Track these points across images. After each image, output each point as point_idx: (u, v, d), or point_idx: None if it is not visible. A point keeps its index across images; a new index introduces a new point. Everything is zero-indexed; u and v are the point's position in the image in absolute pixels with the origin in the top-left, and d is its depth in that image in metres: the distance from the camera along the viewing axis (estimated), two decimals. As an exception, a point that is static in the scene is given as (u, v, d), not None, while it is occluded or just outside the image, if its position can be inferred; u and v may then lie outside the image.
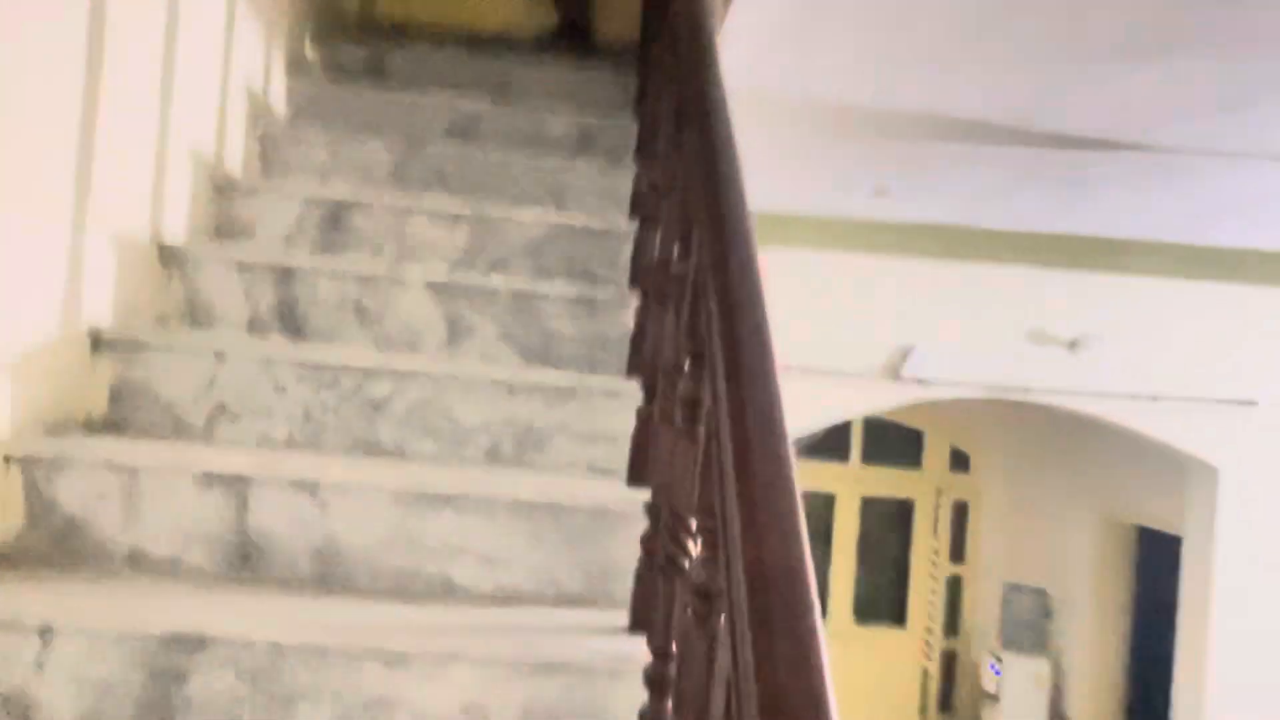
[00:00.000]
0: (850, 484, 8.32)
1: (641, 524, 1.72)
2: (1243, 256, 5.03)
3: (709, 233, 1.48)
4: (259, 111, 2.82)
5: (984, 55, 2.87)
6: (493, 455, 2.10)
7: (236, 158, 2.72)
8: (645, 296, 2.23)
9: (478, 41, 3.78)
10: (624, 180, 2.87)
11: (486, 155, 2.88)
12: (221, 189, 2.55)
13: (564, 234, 2.63)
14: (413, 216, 2.59)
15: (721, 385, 1.17)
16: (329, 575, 1.79)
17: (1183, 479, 5.45)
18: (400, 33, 3.74)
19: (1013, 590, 7.34)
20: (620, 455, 2.08)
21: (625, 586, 1.75)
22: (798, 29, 3.21)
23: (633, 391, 2.11)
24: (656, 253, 2.16)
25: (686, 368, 1.47)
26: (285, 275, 2.30)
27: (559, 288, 2.41)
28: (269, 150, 2.83)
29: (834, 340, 4.92)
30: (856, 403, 5.31)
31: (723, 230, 1.44)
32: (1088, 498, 6.98)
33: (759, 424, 1.07)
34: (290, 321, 2.31)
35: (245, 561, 1.78)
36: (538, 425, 2.11)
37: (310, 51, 3.33)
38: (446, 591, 1.80)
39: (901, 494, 8.44)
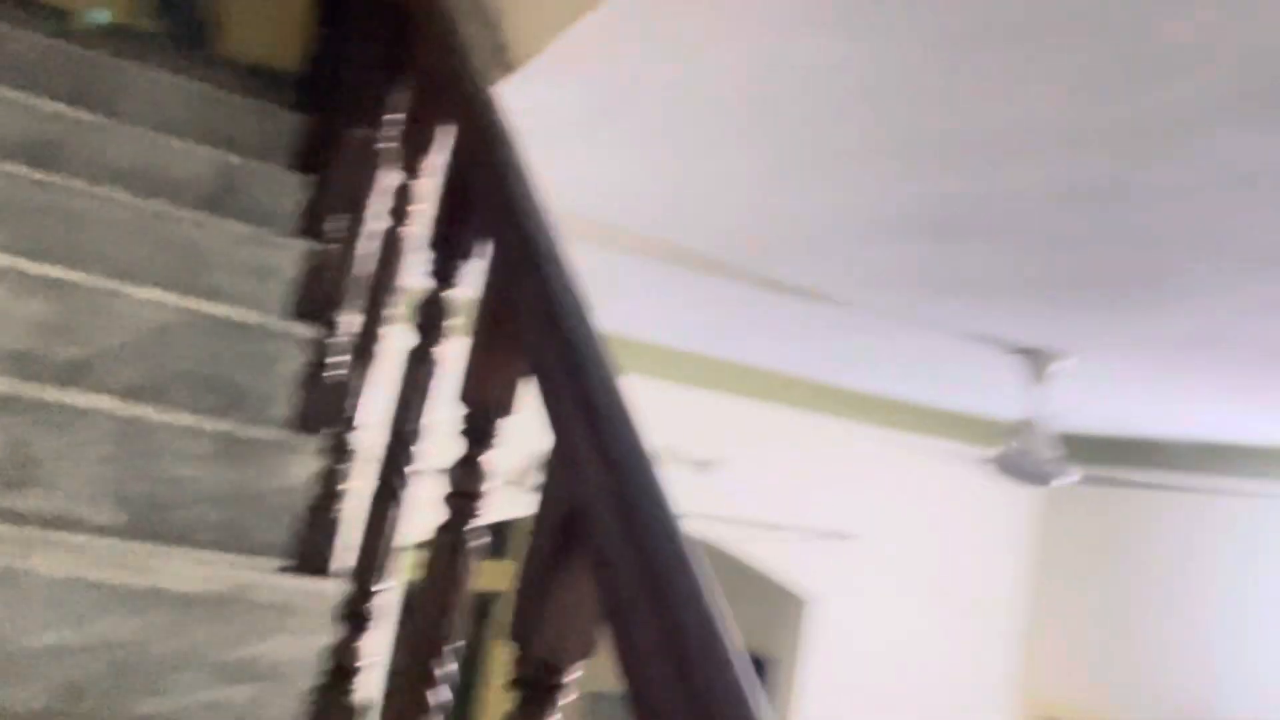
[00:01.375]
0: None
1: None
2: (865, 398, 5.23)
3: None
4: None
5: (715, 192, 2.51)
6: (70, 700, 1.32)
7: None
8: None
9: (61, 21, 2.83)
10: (285, 256, 2.15)
11: (80, 190, 2.03)
12: None
13: (199, 327, 1.87)
14: (-42, 274, 1.71)
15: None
16: None
17: (775, 602, 5.52)
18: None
19: (598, 700, 7.11)
20: (286, 697, 1.39)
21: None
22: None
23: (316, 604, 1.44)
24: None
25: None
26: None
27: (191, 415, 1.66)
28: None
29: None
30: (500, 509, 4.78)
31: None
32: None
33: None
34: None
35: None
36: (154, 652, 1.36)
37: None
38: None
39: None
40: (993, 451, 3.44)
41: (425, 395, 1.37)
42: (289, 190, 2.40)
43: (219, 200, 2.33)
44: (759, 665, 5.87)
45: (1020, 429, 3.32)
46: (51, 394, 1.55)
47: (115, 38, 2.88)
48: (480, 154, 1.35)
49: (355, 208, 1.84)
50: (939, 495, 5.62)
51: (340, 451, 1.61)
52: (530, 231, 1.12)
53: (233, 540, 1.61)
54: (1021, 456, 3.23)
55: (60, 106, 2.22)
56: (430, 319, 1.37)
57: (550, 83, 1.71)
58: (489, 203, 1.27)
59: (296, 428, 1.79)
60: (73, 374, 1.76)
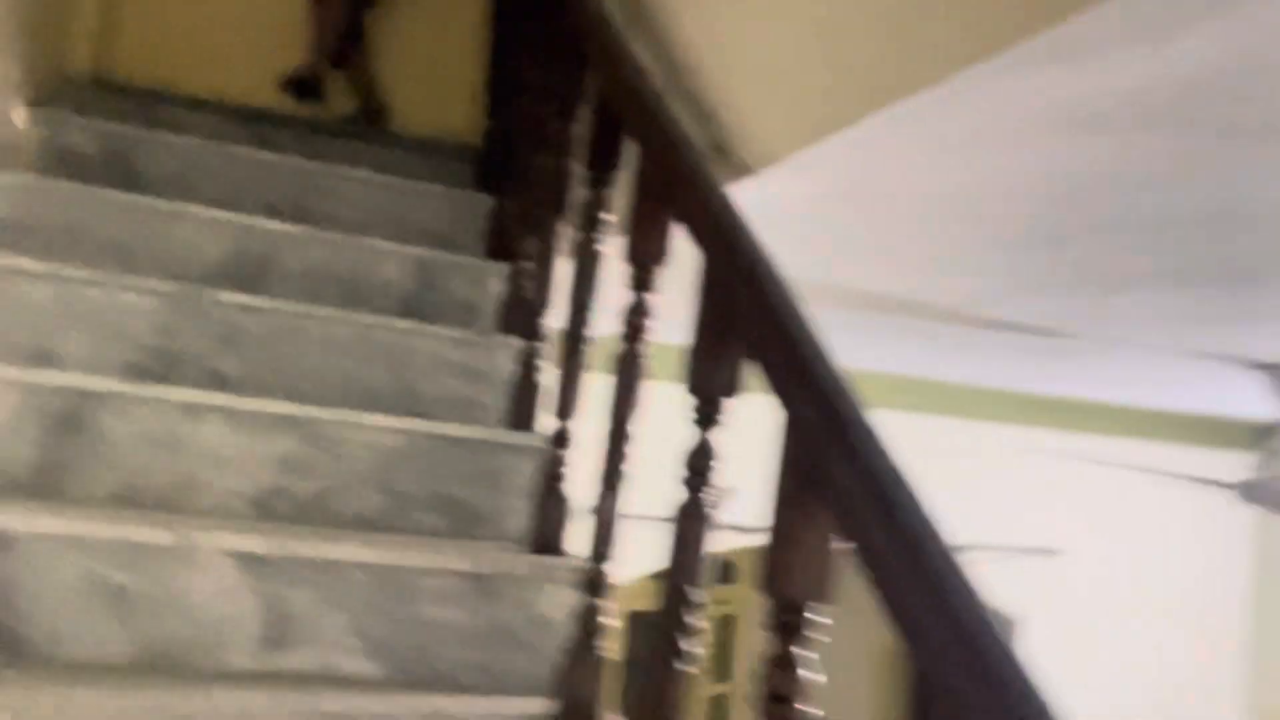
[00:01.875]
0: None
1: None
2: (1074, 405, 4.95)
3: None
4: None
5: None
6: None
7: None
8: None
9: (253, 121, 2.87)
10: (497, 358, 2.11)
11: (295, 311, 2.02)
12: None
13: (427, 448, 1.83)
14: (202, 420, 1.71)
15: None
16: None
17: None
18: (150, 104, 2.77)
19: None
20: None
21: None
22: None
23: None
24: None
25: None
26: (-13, 547, 1.38)
27: (440, 550, 1.62)
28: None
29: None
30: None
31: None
32: (865, 631, 6.74)
33: None
34: (-8, 627, 1.38)
35: None
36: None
37: (25, 123, 2.32)
38: None
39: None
40: (1235, 477, 3.16)
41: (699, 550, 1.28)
42: (487, 279, 2.36)
43: (420, 298, 2.31)
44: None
45: (1264, 455, 3.04)
46: (303, 547, 1.53)
47: (297, 129, 2.91)
48: (732, 266, 1.25)
49: (579, 311, 1.76)
50: (1152, 504, 5.27)
51: (595, 585, 1.54)
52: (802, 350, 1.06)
53: (493, 683, 1.56)
54: (1272, 484, 2.95)
55: (262, 221, 2.23)
56: (696, 467, 1.27)
57: (780, 181, 1.60)
58: (752, 321, 1.18)
59: (537, 547, 1.73)
60: (313, 510, 1.75)
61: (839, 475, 0.95)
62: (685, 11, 1.76)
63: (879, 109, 1.25)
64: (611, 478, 1.53)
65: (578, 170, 1.95)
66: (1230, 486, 3.07)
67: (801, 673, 1.01)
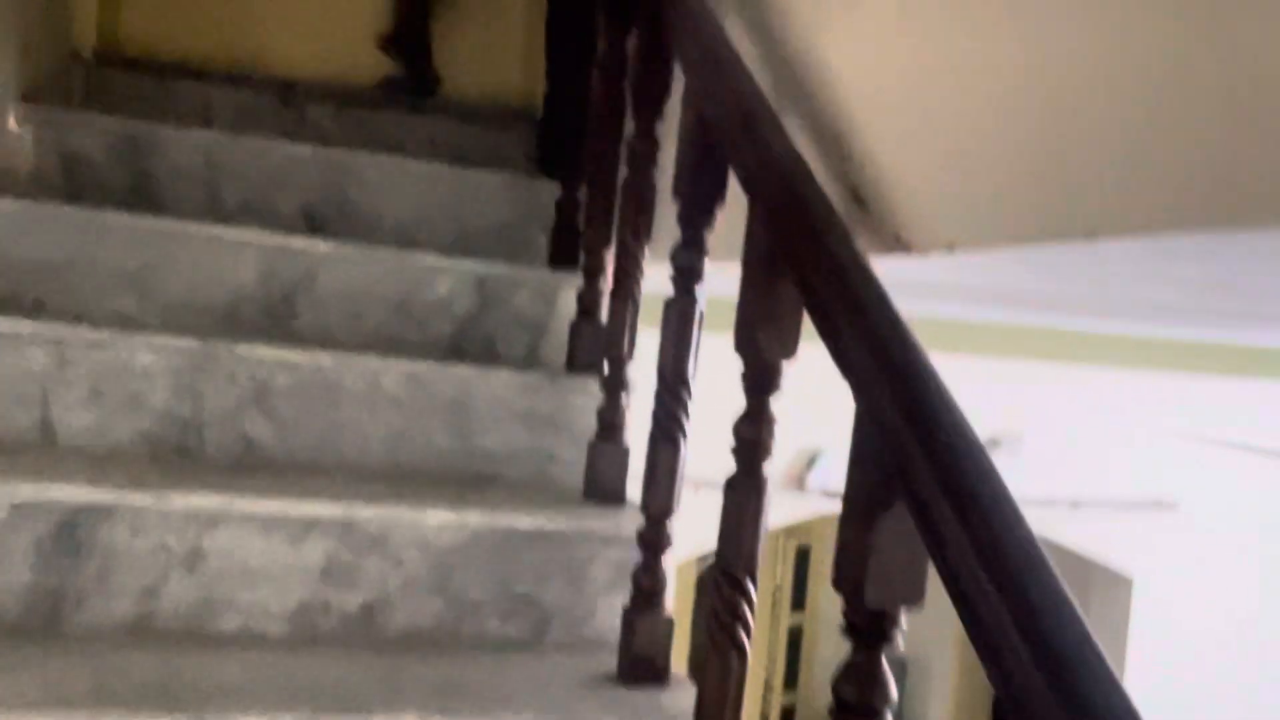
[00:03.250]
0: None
1: None
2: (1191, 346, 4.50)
3: None
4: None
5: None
6: None
7: None
8: None
9: (285, 93, 2.53)
10: (559, 401, 1.79)
11: (331, 364, 1.72)
12: None
13: (490, 543, 1.53)
14: (223, 526, 1.43)
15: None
16: None
17: (1093, 584, 4.95)
18: (166, 80, 2.43)
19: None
20: None
21: None
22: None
23: None
24: None
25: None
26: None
27: (517, 671, 1.33)
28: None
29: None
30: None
31: None
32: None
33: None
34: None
35: None
36: None
37: (20, 125, 2.02)
38: None
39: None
40: None
41: None
42: (557, 294, 2.02)
43: (479, 320, 1.99)
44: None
45: None
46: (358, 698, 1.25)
47: (335, 101, 2.56)
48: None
49: (679, 381, 1.42)
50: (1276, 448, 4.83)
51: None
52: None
53: None
54: None
55: (293, 240, 1.91)
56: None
57: (946, 269, 1.23)
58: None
59: (632, 679, 1.44)
60: (361, 627, 1.47)
61: (922, 482, 0.84)
62: (825, 26, 1.37)
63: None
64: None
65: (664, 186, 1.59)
66: None
67: (883, 682, 0.93)
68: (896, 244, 1.16)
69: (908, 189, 1.17)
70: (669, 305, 1.43)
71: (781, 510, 4.50)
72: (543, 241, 2.21)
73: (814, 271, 1.07)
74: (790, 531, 7.35)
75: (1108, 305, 1.74)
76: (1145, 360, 4.68)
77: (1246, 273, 1.17)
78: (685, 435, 1.43)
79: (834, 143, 1.29)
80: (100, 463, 1.54)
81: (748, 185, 1.23)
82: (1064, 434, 4.58)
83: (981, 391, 4.43)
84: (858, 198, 1.23)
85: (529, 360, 2.00)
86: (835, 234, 1.09)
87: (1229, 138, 0.82)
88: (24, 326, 1.59)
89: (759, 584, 1.18)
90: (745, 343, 1.17)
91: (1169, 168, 0.84)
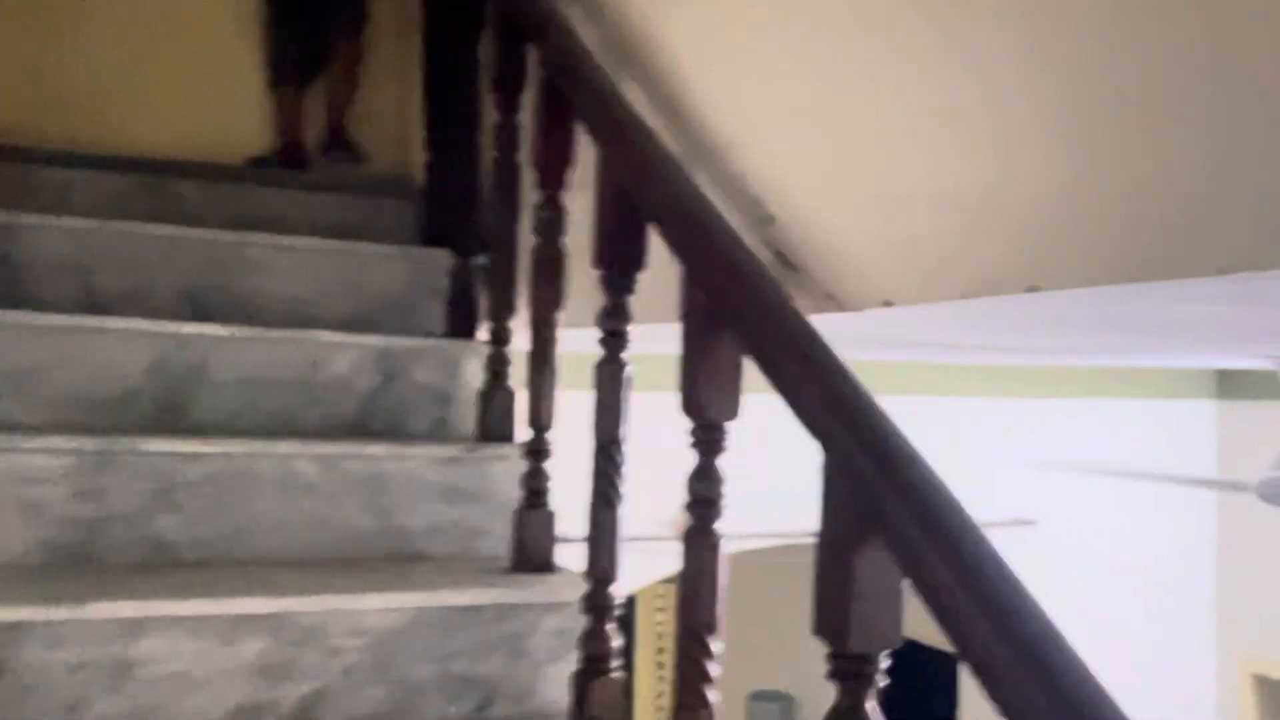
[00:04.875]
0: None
1: None
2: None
3: None
4: None
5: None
6: None
7: None
8: None
9: (157, 174, 2.44)
10: (479, 473, 1.78)
11: (240, 451, 1.66)
12: None
13: (426, 621, 1.50)
14: (148, 632, 1.36)
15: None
16: None
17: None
18: (28, 165, 2.31)
19: (756, 699, 6.83)
20: None
21: None
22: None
23: None
24: None
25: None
26: None
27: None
28: None
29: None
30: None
31: None
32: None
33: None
34: None
35: None
36: None
37: None
38: None
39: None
40: (1255, 479, 2.99)
41: None
42: (460, 363, 2.01)
43: (382, 396, 1.96)
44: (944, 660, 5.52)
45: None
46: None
47: (207, 179, 2.49)
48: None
49: (613, 445, 1.44)
50: (1125, 465, 5.16)
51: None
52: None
53: None
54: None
55: (188, 327, 1.85)
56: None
57: (883, 323, 1.29)
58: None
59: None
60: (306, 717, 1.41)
61: (895, 515, 0.89)
62: (712, 71, 1.41)
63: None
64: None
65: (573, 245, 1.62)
66: (1246, 488, 2.91)
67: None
68: (828, 302, 1.21)
69: (837, 247, 1.22)
70: (600, 368, 1.45)
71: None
72: (438, 311, 2.20)
73: (760, 332, 1.11)
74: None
75: (1030, 346, 1.84)
76: (1000, 388, 4.95)
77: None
78: (622, 498, 1.44)
79: (753, 205, 1.34)
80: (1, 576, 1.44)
81: (677, 250, 1.27)
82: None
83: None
84: (785, 261, 1.28)
85: (438, 432, 1.98)
86: (770, 289, 1.14)
87: (1142, 198, 0.90)
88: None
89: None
90: (691, 405, 1.19)
91: (1106, 222, 0.91)
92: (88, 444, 1.57)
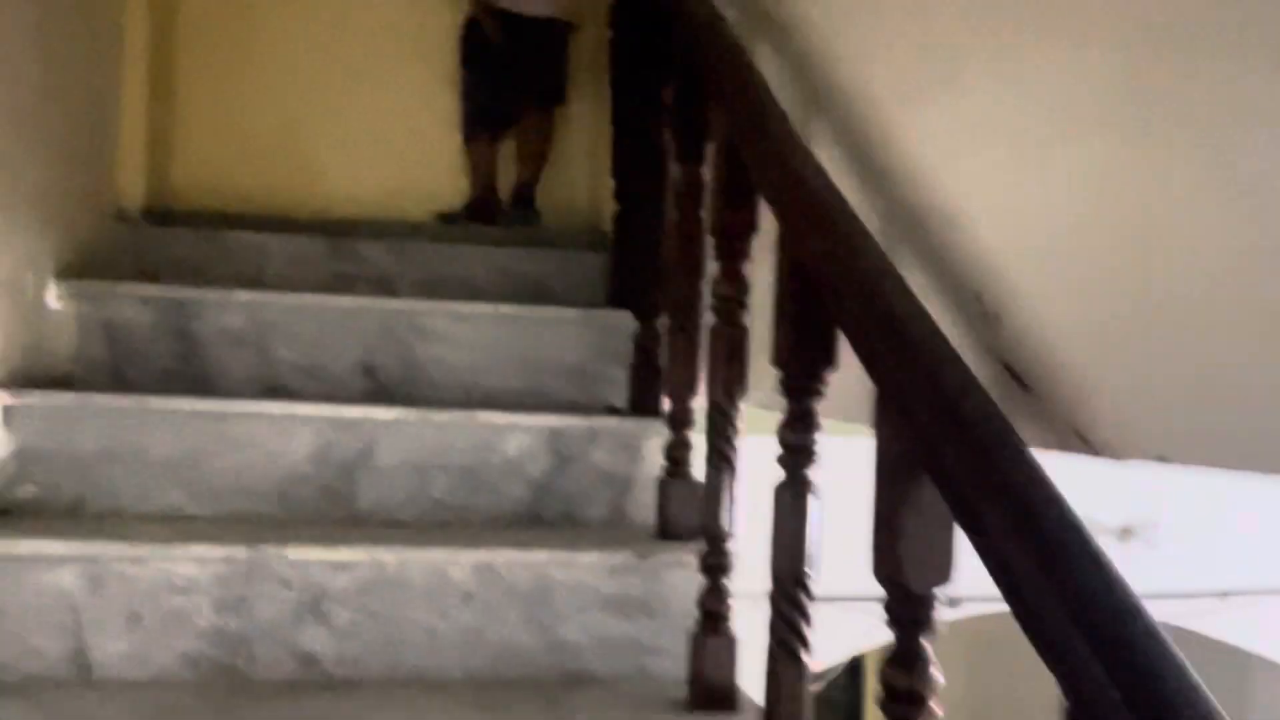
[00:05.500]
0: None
1: None
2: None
3: None
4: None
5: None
6: None
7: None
8: None
9: (341, 235, 2.37)
10: (652, 582, 1.56)
11: (391, 560, 1.52)
12: None
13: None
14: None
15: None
16: None
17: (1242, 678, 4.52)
18: (216, 231, 2.30)
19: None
20: None
21: None
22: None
23: None
24: None
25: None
26: None
27: None
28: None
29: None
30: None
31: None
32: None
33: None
34: None
35: None
36: None
37: (61, 301, 1.88)
38: None
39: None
40: None
41: None
42: (641, 444, 1.81)
43: (555, 482, 1.79)
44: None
45: None
46: None
47: (392, 239, 2.41)
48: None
49: (796, 585, 1.19)
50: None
51: None
52: None
53: None
54: None
55: (350, 410, 1.74)
56: None
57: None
58: None
59: None
60: None
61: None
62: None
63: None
64: None
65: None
66: None
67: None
68: (1078, 443, 0.91)
69: (1094, 376, 0.91)
70: (779, 491, 1.20)
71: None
72: (621, 378, 2.02)
73: (971, 485, 0.84)
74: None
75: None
76: None
77: None
78: (808, 647, 1.19)
79: (972, 301, 1.06)
80: (142, 697, 1.36)
81: (865, 360, 1.01)
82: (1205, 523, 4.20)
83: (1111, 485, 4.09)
84: (1013, 374, 0.99)
85: (613, 521, 1.79)
86: (994, 428, 0.86)
87: None
88: (54, 547, 1.42)
89: None
90: (886, 566, 0.93)
91: None
92: (236, 552, 1.46)
